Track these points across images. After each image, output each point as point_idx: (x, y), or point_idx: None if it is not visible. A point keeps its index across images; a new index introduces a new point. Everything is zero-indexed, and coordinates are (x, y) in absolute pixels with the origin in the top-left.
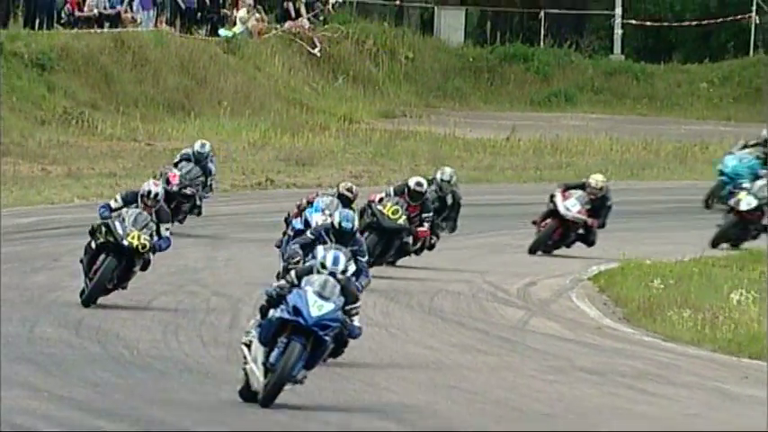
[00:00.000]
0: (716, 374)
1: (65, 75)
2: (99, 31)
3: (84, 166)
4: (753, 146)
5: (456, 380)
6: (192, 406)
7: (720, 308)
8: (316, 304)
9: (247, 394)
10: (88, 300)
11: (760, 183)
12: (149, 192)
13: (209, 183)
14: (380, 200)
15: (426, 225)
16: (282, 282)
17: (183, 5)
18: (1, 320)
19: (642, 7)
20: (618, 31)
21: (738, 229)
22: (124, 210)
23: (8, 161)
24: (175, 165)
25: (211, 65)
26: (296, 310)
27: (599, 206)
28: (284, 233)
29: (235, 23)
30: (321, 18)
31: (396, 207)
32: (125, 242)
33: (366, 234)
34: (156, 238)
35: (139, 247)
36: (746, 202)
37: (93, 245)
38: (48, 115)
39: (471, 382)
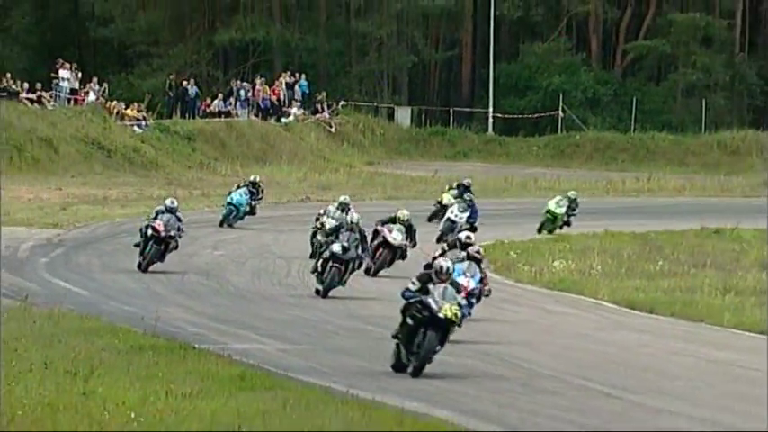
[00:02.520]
0: (542, 300)
1: (200, 143)
2: (218, 120)
3: (210, 191)
4: (245, 185)
5: None
6: (271, 319)
7: (545, 266)
8: None
9: None
10: (416, 372)
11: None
12: (442, 267)
13: (181, 227)
14: (442, 254)
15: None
16: None
17: (262, 106)
18: (165, 272)
19: (503, 107)
20: (490, 120)
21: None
22: (431, 286)
23: (170, 188)
24: (155, 218)
25: (276, 137)
26: None
27: (410, 230)
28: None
29: (289, 115)
30: (335, 112)
31: None
32: (440, 314)
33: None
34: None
35: (453, 317)
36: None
37: (411, 321)
38: (191, 164)
39: None
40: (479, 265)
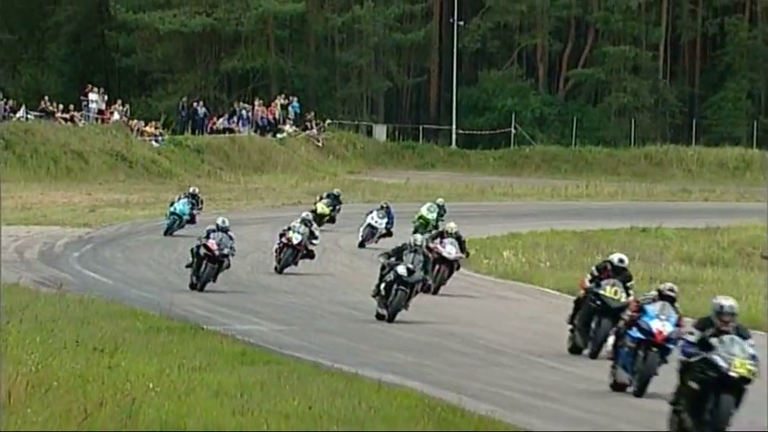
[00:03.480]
0: (497, 288)
1: (208, 155)
2: (223, 135)
3: (217, 195)
4: (186, 197)
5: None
6: (268, 304)
7: (499, 259)
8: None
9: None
10: None
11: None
12: (722, 307)
13: (233, 246)
14: (593, 280)
15: (632, 294)
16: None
17: (260, 123)
18: (178, 263)
19: (465, 124)
20: (453, 135)
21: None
22: (713, 340)
23: (182, 193)
24: (206, 237)
25: (272, 150)
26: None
27: (460, 242)
28: (616, 345)
29: (283, 132)
30: (322, 129)
31: (615, 288)
32: (732, 373)
33: (597, 319)
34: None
35: (747, 374)
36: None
37: (695, 385)
38: (201, 173)
39: None
40: (673, 305)
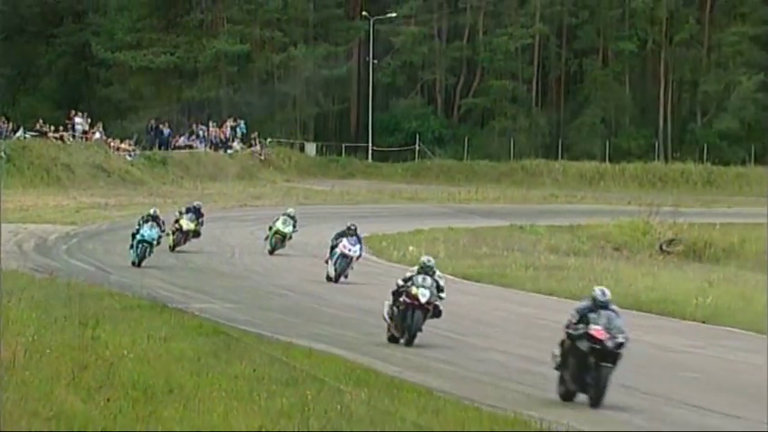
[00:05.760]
0: (404, 274)
1: (171, 166)
2: (184, 151)
3: (179, 200)
4: (148, 221)
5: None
6: (220, 286)
7: (407, 250)
8: None
9: None
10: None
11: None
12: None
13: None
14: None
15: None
16: None
17: (214, 141)
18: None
19: (378, 142)
20: (370, 151)
21: None
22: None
23: (151, 198)
24: (581, 321)
25: (224, 163)
26: None
27: None
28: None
29: (232, 148)
30: (264, 146)
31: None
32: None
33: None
34: None
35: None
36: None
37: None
38: (166, 181)
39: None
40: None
